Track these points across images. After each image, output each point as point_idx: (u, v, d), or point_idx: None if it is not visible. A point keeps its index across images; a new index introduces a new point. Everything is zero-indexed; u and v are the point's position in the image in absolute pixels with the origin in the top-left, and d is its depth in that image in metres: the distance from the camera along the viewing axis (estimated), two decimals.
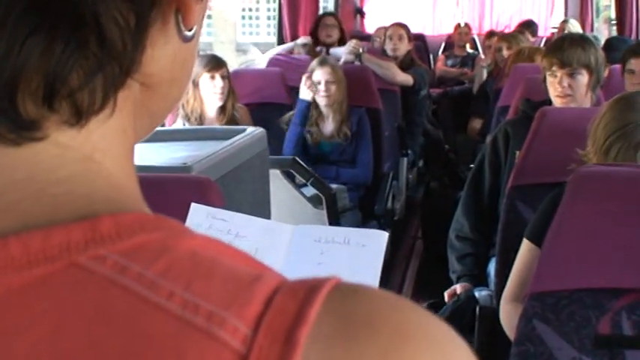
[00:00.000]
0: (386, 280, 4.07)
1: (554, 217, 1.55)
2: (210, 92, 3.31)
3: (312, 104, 3.73)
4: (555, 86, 2.58)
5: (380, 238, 1.00)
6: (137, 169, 1.49)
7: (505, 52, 4.96)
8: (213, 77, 3.31)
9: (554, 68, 2.58)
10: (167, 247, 0.39)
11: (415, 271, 4.63)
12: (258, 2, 14.30)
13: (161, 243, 0.39)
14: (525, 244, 1.93)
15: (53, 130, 0.41)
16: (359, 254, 0.98)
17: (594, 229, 1.47)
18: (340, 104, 3.72)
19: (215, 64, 3.33)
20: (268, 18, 13.54)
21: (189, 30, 0.46)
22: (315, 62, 3.78)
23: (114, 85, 0.42)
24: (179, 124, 3.36)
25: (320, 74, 3.71)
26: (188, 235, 0.41)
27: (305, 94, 3.69)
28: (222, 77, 3.32)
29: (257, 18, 14.61)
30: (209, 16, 13.26)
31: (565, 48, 2.55)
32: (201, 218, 1.05)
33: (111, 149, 0.44)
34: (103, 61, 0.40)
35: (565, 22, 5.96)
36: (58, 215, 0.39)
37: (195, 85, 3.31)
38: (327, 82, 3.69)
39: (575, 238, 1.48)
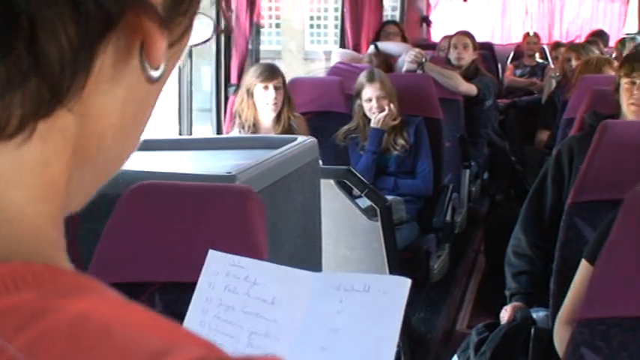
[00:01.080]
0: (445, 296, 3.97)
1: (607, 239, 1.45)
2: (264, 102, 3.28)
3: (367, 120, 3.66)
4: (633, 93, 2.50)
5: (402, 286, 0.94)
6: (181, 177, 1.44)
7: (574, 63, 4.81)
8: (266, 87, 3.27)
9: (634, 74, 2.51)
10: (44, 310, 0.31)
11: (476, 287, 4.51)
12: (326, 10, 14.30)
13: (38, 305, 0.31)
14: (584, 266, 1.82)
15: None
16: (379, 302, 0.94)
17: None
18: (394, 117, 3.65)
19: (268, 74, 3.29)
20: (336, 27, 13.55)
21: (156, 69, 0.39)
22: (362, 78, 3.70)
23: (37, 110, 0.35)
24: (235, 132, 3.34)
25: (370, 91, 3.64)
26: (80, 295, 0.33)
27: (377, 122, 3.61)
28: (276, 88, 3.28)
29: (325, 27, 14.62)
30: (277, 25, 13.34)
31: None
32: (219, 265, 1.02)
33: (22, 180, 0.36)
34: (28, 78, 0.34)
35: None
36: None
37: (250, 94, 3.28)
38: (378, 99, 3.62)
39: (628, 261, 1.38)
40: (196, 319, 0.99)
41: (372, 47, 4.96)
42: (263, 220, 1.59)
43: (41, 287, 0.32)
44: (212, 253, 1.05)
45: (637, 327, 1.39)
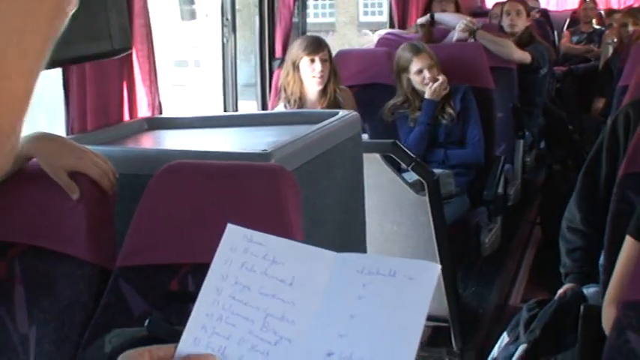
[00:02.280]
0: (498, 270, 3.89)
1: None
2: (309, 76, 3.22)
3: (416, 93, 3.60)
4: None
5: (431, 271, 0.88)
6: (214, 156, 1.41)
7: (631, 28, 4.62)
8: (312, 60, 3.21)
9: None
10: None
11: (531, 260, 4.41)
12: None
13: None
14: (628, 242, 1.73)
15: None
16: (405, 288, 0.86)
17: None
18: (445, 87, 3.58)
19: (315, 46, 3.23)
20: None
21: None
22: (407, 52, 3.62)
23: None
24: (280, 107, 3.30)
25: (420, 63, 3.56)
26: None
27: (433, 93, 3.55)
28: (322, 60, 3.22)
29: None
30: None
31: None
32: (237, 240, 0.96)
33: None
34: None
35: None
36: None
37: (295, 67, 3.23)
38: (430, 69, 3.55)
39: None
40: (210, 298, 0.94)
41: (424, 18, 4.84)
42: (297, 199, 1.55)
43: None
44: (230, 228, 0.99)
45: None
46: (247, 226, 0.97)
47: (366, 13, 16.24)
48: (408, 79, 3.61)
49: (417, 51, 3.60)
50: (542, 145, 5.28)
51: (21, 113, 0.51)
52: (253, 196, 1.52)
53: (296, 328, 0.89)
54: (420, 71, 3.57)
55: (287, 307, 0.91)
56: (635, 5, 6.49)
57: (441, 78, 3.55)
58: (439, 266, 0.88)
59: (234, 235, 0.98)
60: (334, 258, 0.93)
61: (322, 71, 3.21)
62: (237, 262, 0.95)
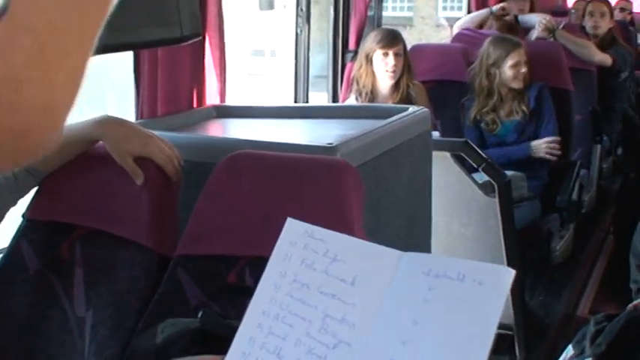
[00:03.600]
0: (568, 279, 3.77)
1: None
2: (382, 70, 3.16)
3: (507, 89, 3.52)
4: None
5: (503, 277, 0.81)
6: (279, 147, 1.36)
7: None
8: (386, 54, 3.15)
9: None
10: None
11: (602, 270, 4.26)
12: None
13: None
14: None
15: None
16: (474, 294, 0.80)
17: None
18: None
19: (389, 40, 3.17)
20: None
21: None
22: (500, 45, 3.53)
23: None
24: (352, 99, 3.26)
25: (516, 57, 3.48)
26: None
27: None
28: (396, 55, 3.16)
29: None
30: None
31: None
32: (297, 236, 0.91)
33: None
34: None
35: None
36: None
37: (368, 60, 3.18)
38: (525, 63, 3.48)
39: None
40: (267, 295, 0.90)
41: (496, 6, 4.71)
42: (360, 196, 1.50)
43: None
44: (290, 222, 0.95)
45: None
46: (308, 221, 0.92)
47: (444, 8, 16.05)
48: (498, 74, 3.51)
49: (514, 45, 3.52)
50: (620, 151, 5.11)
51: (79, 89, 0.52)
52: (315, 190, 1.48)
53: (356, 331, 0.84)
54: (515, 65, 3.48)
55: (348, 309, 0.86)
56: None
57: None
58: (513, 271, 0.82)
59: (294, 229, 0.93)
60: (399, 257, 0.87)
61: (395, 65, 3.15)
62: (296, 259, 0.91)
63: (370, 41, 3.20)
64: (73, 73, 0.50)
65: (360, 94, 3.21)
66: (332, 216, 1.40)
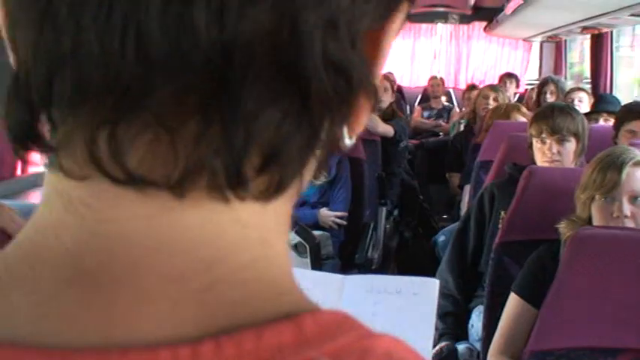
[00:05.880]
0: None
1: (555, 277, 1.59)
2: None
3: None
4: (544, 152, 2.65)
5: (431, 286, 0.99)
6: None
7: (492, 102, 4.99)
8: None
9: (543, 135, 2.66)
10: (366, 349, 0.36)
11: None
12: None
13: (360, 344, 0.36)
14: (513, 298, 1.98)
15: (239, 203, 0.36)
16: (412, 303, 0.95)
17: (593, 289, 1.52)
18: None
19: None
20: None
21: (351, 138, 0.40)
22: None
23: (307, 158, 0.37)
24: None
25: None
26: (377, 335, 0.37)
27: None
28: None
29: None
30: None
31: (555, 116, 2.63)
32: None
33: (279, 230, 0.39)
34: (315, 140, 0.36)
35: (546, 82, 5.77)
36: (251, 307, 0.36)
37: None
38: None
39: (575, 297, 1.53)
40: None
41: None
42: None
43: (352, 330, 0.36)
44: None
45: (581, 357, 1.53)
46: None
47: None
48: None
49: None
50: (396, 212, 5.59)
51: None
52: None
53: None
54: None
55: None
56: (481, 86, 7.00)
57: None
58: (437, 281, 1.00)
59: None
60: (342, 280, 1.01)
61: None
62: None
63: None
64: None
65: None
66: None
